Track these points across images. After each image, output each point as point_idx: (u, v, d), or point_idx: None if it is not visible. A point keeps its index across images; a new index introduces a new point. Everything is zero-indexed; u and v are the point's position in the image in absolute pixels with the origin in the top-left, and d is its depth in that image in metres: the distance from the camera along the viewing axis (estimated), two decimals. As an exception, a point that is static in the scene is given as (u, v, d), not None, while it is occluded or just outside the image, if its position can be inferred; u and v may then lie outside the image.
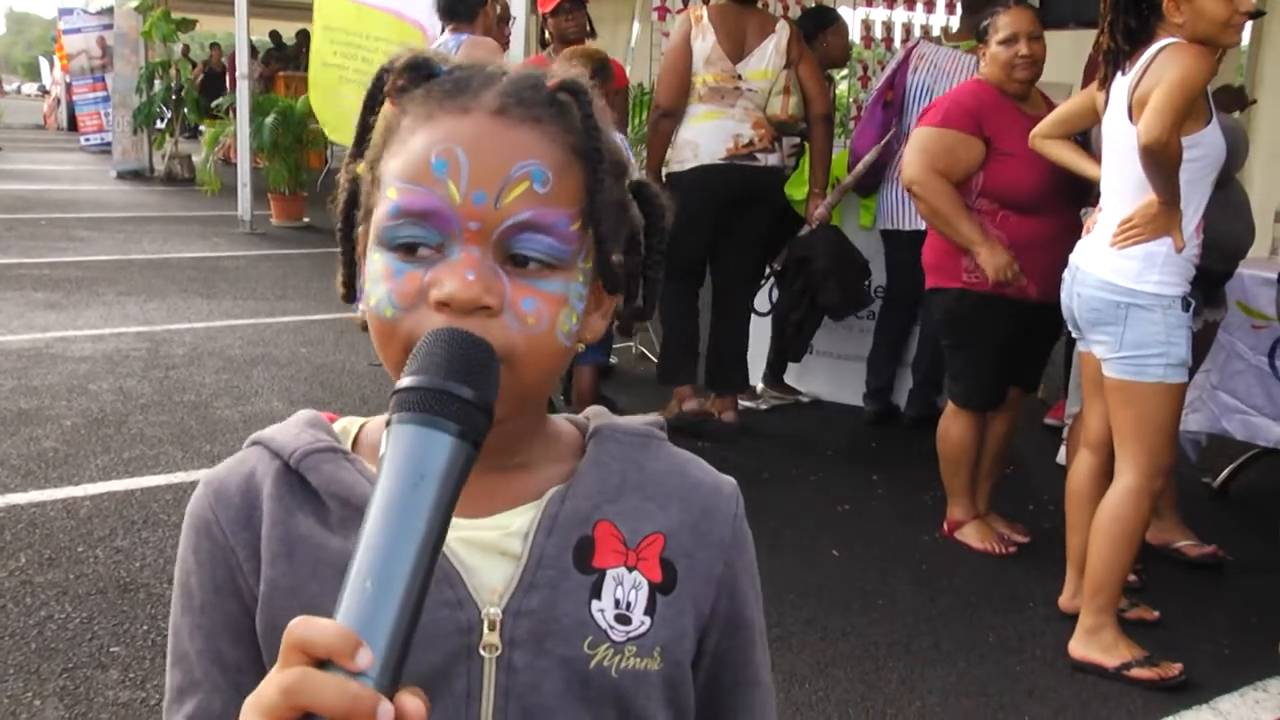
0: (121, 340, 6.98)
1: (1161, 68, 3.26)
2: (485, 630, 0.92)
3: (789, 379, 6.37)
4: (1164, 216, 3.33)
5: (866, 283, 5.71)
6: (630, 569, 0.97)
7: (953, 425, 4.36)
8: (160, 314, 7.79)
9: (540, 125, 0.90)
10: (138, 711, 3.05)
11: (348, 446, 1.01)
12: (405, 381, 0.78)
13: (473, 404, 0.78)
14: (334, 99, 8.22)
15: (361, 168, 0.97)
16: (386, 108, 0.96)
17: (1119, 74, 3.46)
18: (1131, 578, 3.68)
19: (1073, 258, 3.64)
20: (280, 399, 5.92)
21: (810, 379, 6.42)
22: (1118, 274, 3.42)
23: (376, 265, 0.91)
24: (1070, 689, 3.45)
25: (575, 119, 0.91)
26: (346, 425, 1.05)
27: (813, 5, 7.82)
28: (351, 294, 1.03)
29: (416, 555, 0.72)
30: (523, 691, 0.92)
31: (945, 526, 4.46)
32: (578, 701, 0.94)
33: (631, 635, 0.96)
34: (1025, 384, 4.50)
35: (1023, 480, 5.31)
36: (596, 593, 0.95)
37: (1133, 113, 3.36)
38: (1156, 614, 3.84)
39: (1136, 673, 3.45)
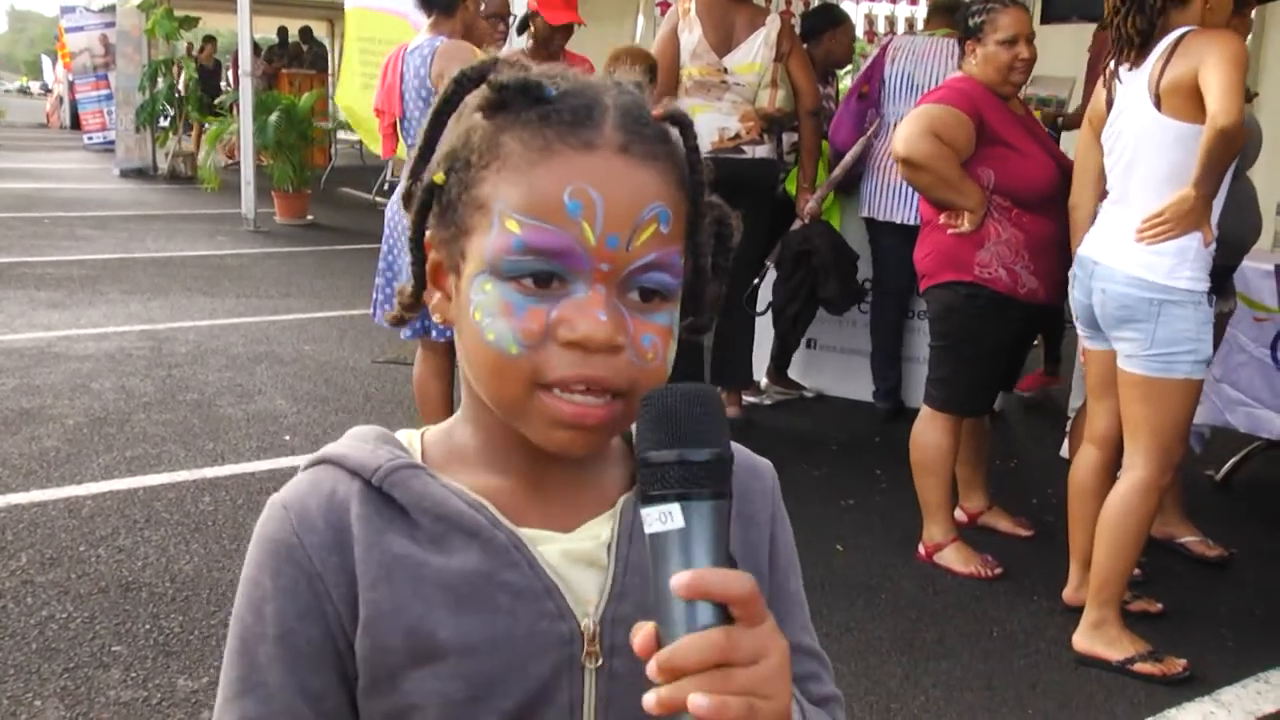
0: (124, 339, 6.98)
1: (1197, 52, 3.20)
2: (585, 641, 0.94)
3: (793, 374, 6.36)
4: (1197, 211, 3.27)
5: (857, 275, 5.71)
6: None
7: (928, 431, 4.15)
8: (163, 312, 7.79)
9: (658, 163, 0.90)
10: (139, 711, 3.05)
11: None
12: (651, 456, 0.79)
13: (714, 462, 0.79)
14: (362, 103, 8.58)
15: (439, 177, 0.94)
16: (475, 122, 0.93)
17: (1127, 67, 3.40)
18: (1135, 571, 3.67)
19: (1086, 253, 3.56)
20: (284, 397, 5.92)
21: (814, 374, 6.42)
22: (1149, 270, 3.34)
23: (490, 298, 0.89)
24: (1074, 682, 3.44)
25: (680, 151, 0.93)
26: (410, 439, 1.04)
27: (819, 3, 7.79)
28: (417, 304, 1.02)
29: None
30: (621, 696, 0.93)
31: (922, 550, 4.21)
32: None
33: None
34: (1007, 385, 4.49)
35: (1026, 474, 5.31)
36: None
37: (1161, 102, 3.30)
38: (1160, 606, 3.83)
39: (1140, 667, 3.44)
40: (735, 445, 1.08)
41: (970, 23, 4.10)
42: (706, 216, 0.96)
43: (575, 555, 0.96)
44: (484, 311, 0.89)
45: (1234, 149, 3.19)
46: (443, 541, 0.94)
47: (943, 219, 4.04)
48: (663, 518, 0.77)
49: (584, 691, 0.93)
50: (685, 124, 0.94)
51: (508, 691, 0.91)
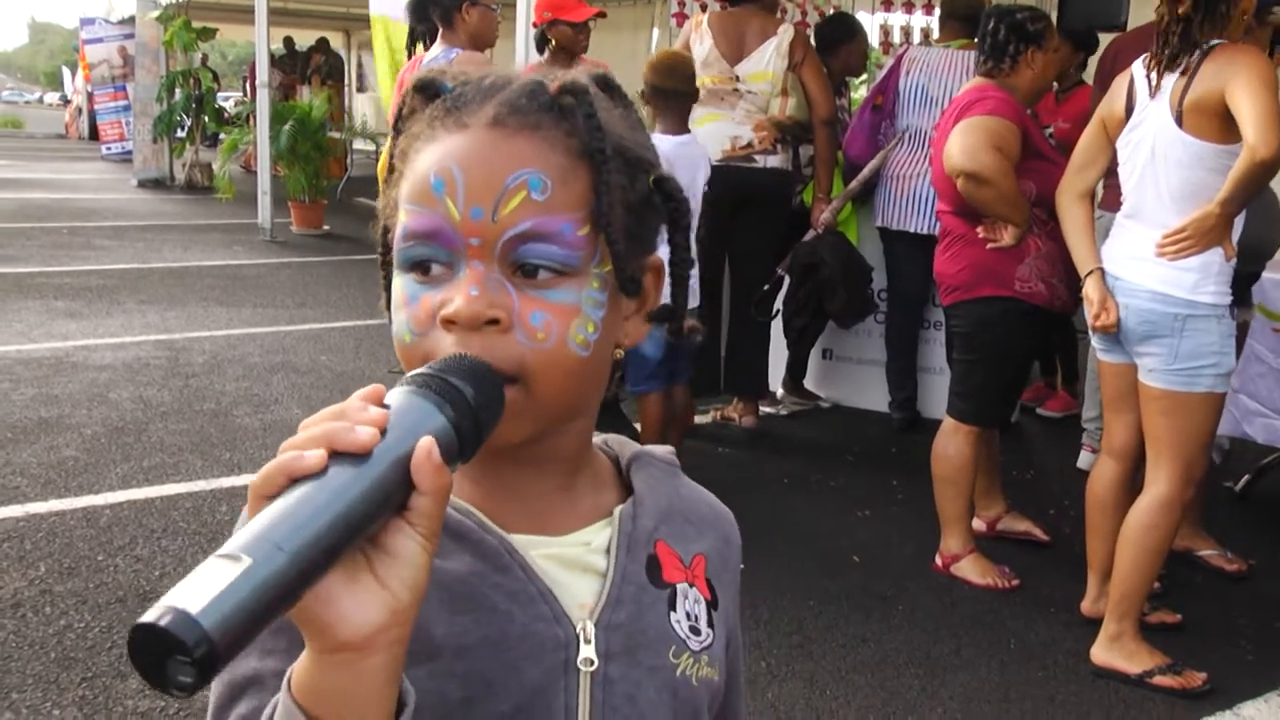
0: (142, 349, 7.01)
1: (1222, 72, 3.17)
2: (581, 644, 0.93)
3: (809, 384, 6.35)
4: (1220, 228, 3.26)
5: (870, 288, 5.69)
6: (690, 585, 1.02)
7: (952, 443, 4.10)
8: (180, 322, 7.82)
9: (539, 132, 0.89)
10: (157, 720, 3.06)
11: None
12: (420, 369, 0.79)
13: (471, 406, 0.78)
14: None
15: (393, 189, 0.97)
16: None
17: (1157, 78, 3.35)
18: (1155, 583, 3.65)
19: (1108, 268, 3.52)
20: (300, 406, 5.93)
21: (830, 384, 6.41)
22: (1173, 285, 3.33)
23: (397, 290, 0.91)
24: (1092, 695, 3.42)
25: (578, 120, 0.89)
26: None
27: (831, 12, 7.80)
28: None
29: (365, 486, 0.70)
30: (620, 704, 0.94)
31: (939, 560, 4.19)
32: (667, 712, 0.96)
33: (704, 645, 1.00)
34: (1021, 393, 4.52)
35: (1043, 485, 5.29)
36: (672, 605, 0.99)
37: (1182, 119, 3.27)
38: (1178, 617, 3.82)
39: (1159, 680, 3.43)
40: (709, 495, 1.12)
41: (1031, 29, 4.03)
42: (616, 186, 0.91)
43: (564, 560, 0.96)
44: (394, 305, 0.91)
45: (1270, 178, 3.17)
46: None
47: (982, 233, 3.98)
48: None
49: (579, 696, 0.93)
50: (578, 92, 0.90)
51: (503, 693, 0.90)
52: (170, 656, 0.60)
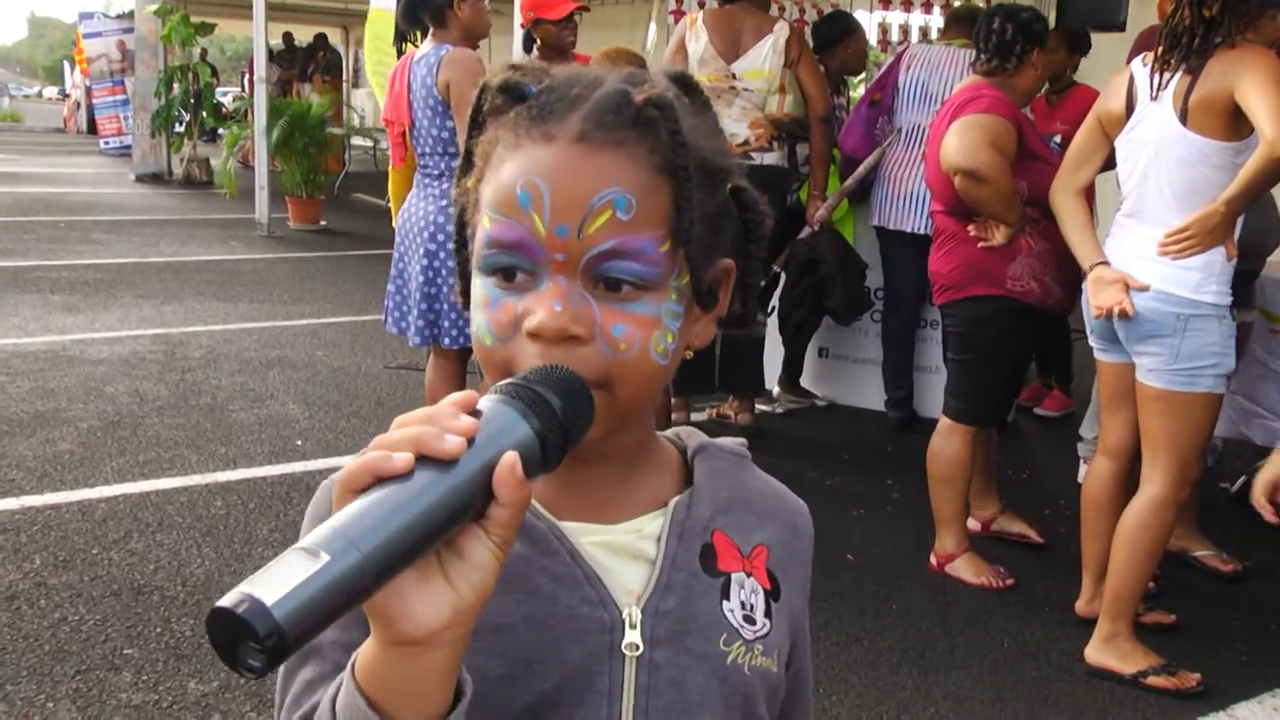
0: (138, 343, 7.00)
1: (1230, 71, 3.16)
2: (626, 629, 0.95)
3: (805, 383, 6.35)
4: (1223, 227, 3.25)
5: (866, 285, 5.70)
6: (748, 575, 1.03)
7: (948, 444, 4.09)
8: (177, 317, 7.82)
9: (624, 148, 0.89)
10: (150, 714, 3.05)
11: None
12: (514, 378, 0.81)
13: (558, 418, 0.79)
14: None
15: (470, 184, 0.98)
16: (485, 130, 0.97)
17: (1166, 75, 3.33)
18: (1150, 584, 3.65)
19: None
20: (296, 402, 5.92)
21: (826, 383, 6.41)
22: (1176, 284, 3.31)
23: (477, 291, 0.93)
24: (1086, 695, 3.42)
25: (662, 135, 0.90)
26: None
27: (829, 11, 7.80)
28: (468, 302, 1.04)
29: (447, 493, 0.71)
30: (664, 689, 0.95)
31: (934, 560, 4.18)
32: (716, 699, 0.97)
33: (758, 635, 1.01)
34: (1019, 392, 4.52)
35: (1038, 485, 5.29)
36: (725, 594, 1.00)
37: (1187, 117, 3.26)
38: (1173, 618, 3.81)
39: (1153, 680, 3.43)
40: (776, 480, 1.15)
41: (1035, 28, 4.04)
42: (696, 201, 0.91)
43: (614, 547, 0.98)
44: (475, 305, 0.93)
45: None
46: None
47: (973, 232, 3.97)
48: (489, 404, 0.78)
49: (624, 680, 0.94)
50: (664, 106, 0.90)
51: (545, 673, 0.92)
52: (243, 641, 0.63)
